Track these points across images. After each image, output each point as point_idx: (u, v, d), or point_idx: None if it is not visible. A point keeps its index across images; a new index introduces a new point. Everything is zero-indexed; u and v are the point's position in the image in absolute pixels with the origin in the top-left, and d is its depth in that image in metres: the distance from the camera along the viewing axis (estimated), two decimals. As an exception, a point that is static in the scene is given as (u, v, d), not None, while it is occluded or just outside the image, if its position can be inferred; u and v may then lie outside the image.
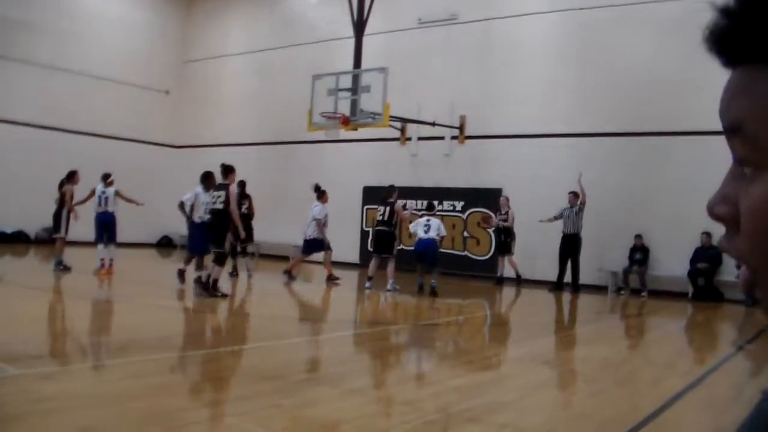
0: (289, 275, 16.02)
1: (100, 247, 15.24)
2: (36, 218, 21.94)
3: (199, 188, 13.72)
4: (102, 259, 15.11)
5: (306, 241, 16.20)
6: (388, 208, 15.06)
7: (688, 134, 16.56)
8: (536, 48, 19.53)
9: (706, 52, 0.64)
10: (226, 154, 25.51)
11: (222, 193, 12.34)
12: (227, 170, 12.51)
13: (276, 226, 23.05)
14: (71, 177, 15.66)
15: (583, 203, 17.16)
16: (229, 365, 7.27)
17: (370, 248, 15.57)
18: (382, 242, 15.16)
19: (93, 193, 15.55)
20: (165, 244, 26.50)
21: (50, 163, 21.88)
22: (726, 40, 0.61)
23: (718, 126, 0.66)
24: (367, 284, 15.02)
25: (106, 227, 15.28)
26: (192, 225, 13.84)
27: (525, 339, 10.46)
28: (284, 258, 22.92)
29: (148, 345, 7.66)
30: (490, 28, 20.35)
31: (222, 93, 26.63)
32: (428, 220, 14.99)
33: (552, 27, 19.36)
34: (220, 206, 12.32)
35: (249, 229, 16.03)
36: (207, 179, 13.60)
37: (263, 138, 24.94)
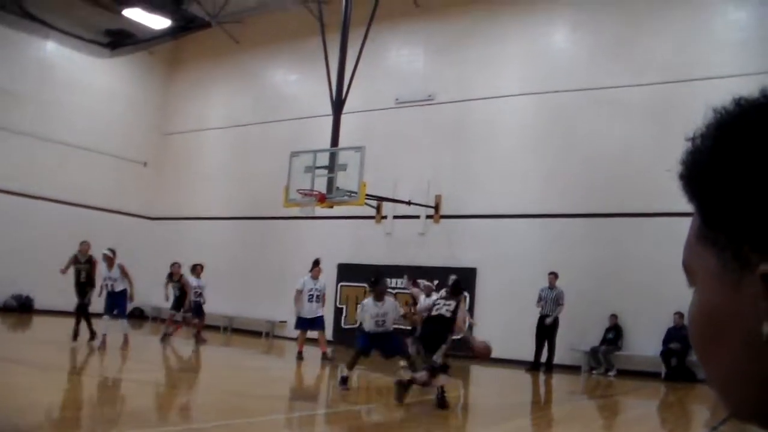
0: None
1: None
2: (5, 285, 21.70)
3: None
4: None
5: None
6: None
7: (660, 215, 16.76)
8: (511, 129, 19.89)
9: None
10: (202, 227, 25.63)
11: (452, 303, 11.14)
12: (459, 287, 11.43)
13: (250, 301, 22.95)
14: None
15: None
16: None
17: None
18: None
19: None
20: (137, 316, 26.25)
21: (23, 229, 21.78)
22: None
23: (688, 208, 0.74)
24: None
25: None
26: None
27: (500, 420, 10.39)
28: (257, 333, 22.76)
29: (122, 419, 7.54)
30: (466, 109, 20.73)
31: (199, 166, 26.72)
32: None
33: (526, 109, 19.76)
34: (446, 314, 11.03)
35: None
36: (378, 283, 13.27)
37: (239, 212, 24.97)
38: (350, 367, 11.75)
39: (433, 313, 11.10)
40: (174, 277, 17.76)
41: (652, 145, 16.78)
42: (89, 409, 8.36)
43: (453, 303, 11.06)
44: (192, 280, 17.96)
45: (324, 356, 15.38)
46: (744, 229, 0.67)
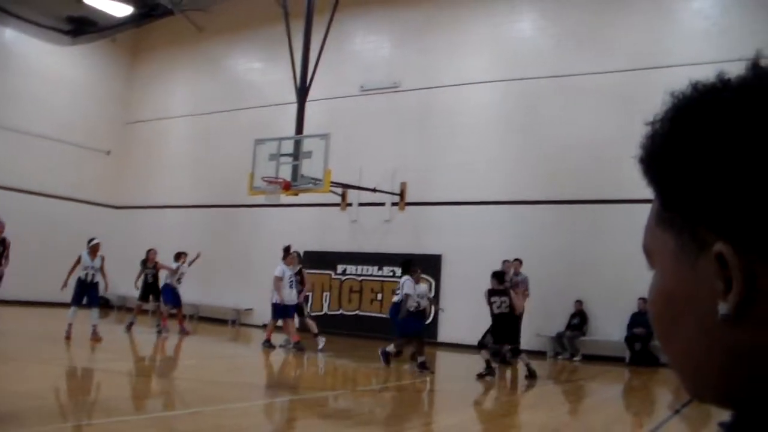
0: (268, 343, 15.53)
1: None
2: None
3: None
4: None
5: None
6: None
7: (627, 202, 16.88)
8: (477, 116, 19.93)
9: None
10: (167, 215, 25.42)
11: (506, 298, 13.22)
12: (502, 278, 13.78)
13: (216, 289, 22.83)
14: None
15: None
16: (171, 429, 7.11)
17: None
18: None
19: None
20: (103, 305, 25.96)
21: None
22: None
23: (652, 195, 0.75)
24: None
25: None
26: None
27: (465, 405, 10.46)
28: (223, 322, 22.70)
29: (94, 408, 7.47)
30: (431, 96, 20.73)
31: (164, 155, 26.49)
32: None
33: (493, 96, 19.81)
34: (506, 310, 13.18)
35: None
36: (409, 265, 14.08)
37: (204, 200, 24.79)
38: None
39: (496, 311, 13.25)
40: (149, 263, 17.62)
41: (617, 132, 16.87)
42: (62, 399, 8.28)
43: (507, 299, 13.15)
44: (176, 266, 17.87)
45: (296, 345, 15.10)
46: (700, 209, 0.69)
